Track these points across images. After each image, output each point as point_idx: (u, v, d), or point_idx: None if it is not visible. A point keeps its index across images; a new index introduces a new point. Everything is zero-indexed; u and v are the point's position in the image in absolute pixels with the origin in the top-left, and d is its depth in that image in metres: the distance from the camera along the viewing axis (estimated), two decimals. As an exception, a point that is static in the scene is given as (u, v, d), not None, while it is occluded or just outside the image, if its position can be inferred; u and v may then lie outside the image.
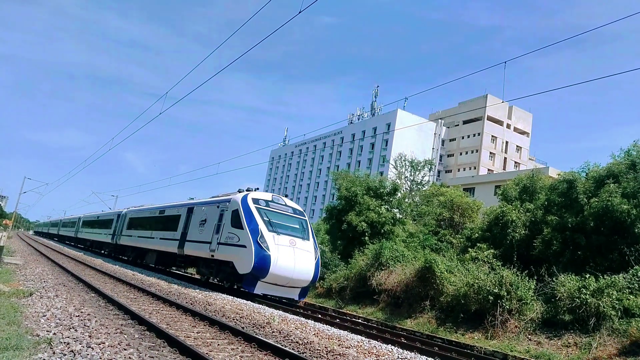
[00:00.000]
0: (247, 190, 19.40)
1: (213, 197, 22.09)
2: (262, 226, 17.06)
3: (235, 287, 18.68)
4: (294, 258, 16.93)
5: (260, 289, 16.71)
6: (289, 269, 16.70)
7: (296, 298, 18.02)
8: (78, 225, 51.12)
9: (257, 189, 19.95)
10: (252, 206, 17.76)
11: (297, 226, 18.58)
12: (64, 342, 6.94)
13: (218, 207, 19.57)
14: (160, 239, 25.24)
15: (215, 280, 20.14)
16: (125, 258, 33.29)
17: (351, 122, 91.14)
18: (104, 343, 7.11)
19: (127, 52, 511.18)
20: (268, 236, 16.81)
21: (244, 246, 16.83)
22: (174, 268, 27.81)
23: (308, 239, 18.29)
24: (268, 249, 16.44)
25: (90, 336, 7.49)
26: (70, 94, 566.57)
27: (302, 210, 20.27)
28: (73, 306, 10.41)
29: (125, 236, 32.28)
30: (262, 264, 16.26)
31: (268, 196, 19.14)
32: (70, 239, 57.10)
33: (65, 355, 6.32)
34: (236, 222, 17.76)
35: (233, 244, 17.50)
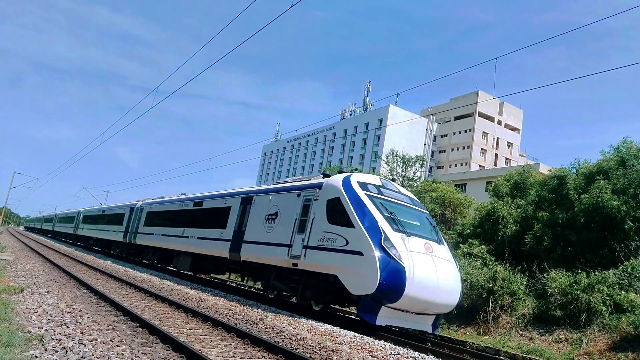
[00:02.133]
0: (340, 172, 14.23)
1: (278, 182, 17.35)
2: (382, 223, 11.58)
3: (337, 312, 14.59)
4: (436, 271, 11.51)
5: (384, 318, 11.34)
6: (431, 287, 11.27)
7: (430, 330, 12.63)
8: (78, 221, 46.13)
9: (356, 169, 14.77)
10: (361, 193, 12.37)
11: (425, 224, 13.20)
12: (56, 339, 6.89)
13: (299, 195, 14.25)
14: (199, 238, 19.76)
15: (301, 300, 14.00)
16: (142, 260, 28.26)
17: (343, 118, 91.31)
18: (96, 339, 7.07)
19: (118, 46, 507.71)
20: (395, 238, 11.35)
21: (359, 253, 11.39)
22: (199, 274, 23.20)
23: (443, 243, 12.96)
24: (400, 259, 10.99)
25: (82, 332, 7.45)
26: (60, 88, 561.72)
27: (419, 200, 15.38)
28: (65, 302, 10.34)
29: (144, 234, 26.86)
30: (394, 281, 10.83)
31: (376, 180, 13.78)
32: (68, 236, 51.81)
33: (57, 351, 6.27)
34: (338, 216, 12.35)
35: (336, 249, 12.04)
